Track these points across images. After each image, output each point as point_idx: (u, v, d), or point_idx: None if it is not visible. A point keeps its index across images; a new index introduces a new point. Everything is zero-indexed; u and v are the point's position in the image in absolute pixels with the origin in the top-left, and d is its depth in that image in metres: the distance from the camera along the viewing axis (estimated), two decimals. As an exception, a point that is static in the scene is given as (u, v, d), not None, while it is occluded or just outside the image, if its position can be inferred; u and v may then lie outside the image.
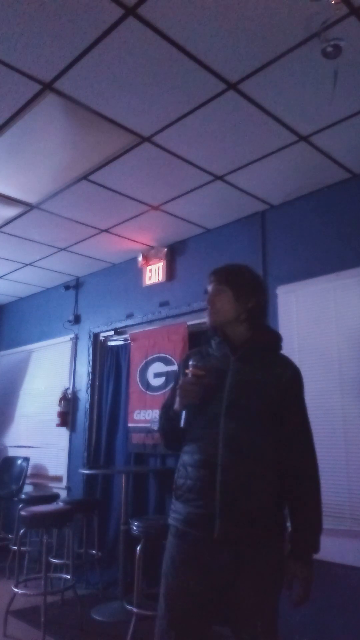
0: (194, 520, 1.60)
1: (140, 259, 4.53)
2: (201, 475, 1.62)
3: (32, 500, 4.32)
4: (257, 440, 1.63)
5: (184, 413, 1.65)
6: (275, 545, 1.62)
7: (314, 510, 1.65)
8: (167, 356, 4.23)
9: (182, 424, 1.65)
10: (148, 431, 4.22)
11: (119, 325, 4.81)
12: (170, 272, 4.40)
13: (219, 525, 1.56)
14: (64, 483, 4.93)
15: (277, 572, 1.61)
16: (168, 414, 1.76)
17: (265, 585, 1.59)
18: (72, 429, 5.02)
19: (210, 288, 1.79)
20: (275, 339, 1.84)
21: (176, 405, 1.68)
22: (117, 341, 4.90)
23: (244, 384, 1.67)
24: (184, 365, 1.79)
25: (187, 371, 1.69)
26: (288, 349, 3.33)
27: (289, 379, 1.72)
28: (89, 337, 5.08)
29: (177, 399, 1.67)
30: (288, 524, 1.67)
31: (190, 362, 1.70)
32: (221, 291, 1.76)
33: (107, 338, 5.00)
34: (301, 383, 1.78)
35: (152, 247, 4.50)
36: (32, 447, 5.44)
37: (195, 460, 1.65)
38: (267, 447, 1.64)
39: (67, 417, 5.06)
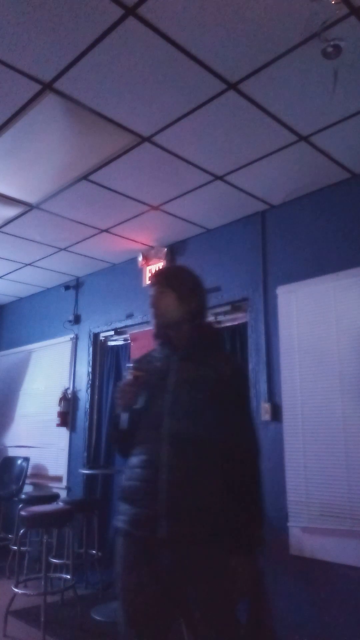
0: (140, 521, 1.60)
1: (140, 259, 4.52)
2: (147, 475, 1.62)
3: (32, 500, 4.32)
4: (201, 438, 1.64)
5: (125, 415, 1.69)
6: (224, 544, 1.60)
7: (255, 502, 1.65)
8: (167, 356, 4.23)
9: (123, 425, 1.69)
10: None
11: (119, 325, 4.81)
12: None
13: (164, 525, 1.55)
14: (64, 483, 4.93)
15: (223, 571, 1.59)
16: (114, 420, 1.78)
17: (215, 586, 1.57)
18: (72, 429, 5.02)
19: (152, 291, 1.83)
20: (216, 337, 1.88)
21: (117, 409, 1.72)
22: (117, 341, 4.90)
23: (185, 382, 1.69)
24: (133, 368, 1.81)
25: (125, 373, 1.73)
26: (288, 349, 3.37)
27: (231, 374, 1.73)
28: (89, 337, 5.08)
29: (117, 401, 1.72)
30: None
31: (129, 365, 1.75)
32: (164, 293, 1.79)
33: (107, 338, 5.00)
34: (243, 378, 1.82)
35: (152, 247, 4.50)
36: (32, 447, 5.43)
37: (141, 461, 1.66)
38: (211, 444, 1.65)
39: (67, 417, 5.06)
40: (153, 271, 1.94)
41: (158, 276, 1.87)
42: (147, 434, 1.68)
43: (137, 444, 1.71)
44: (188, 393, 1.67)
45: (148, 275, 4.55)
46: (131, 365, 1.74)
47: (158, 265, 4.45)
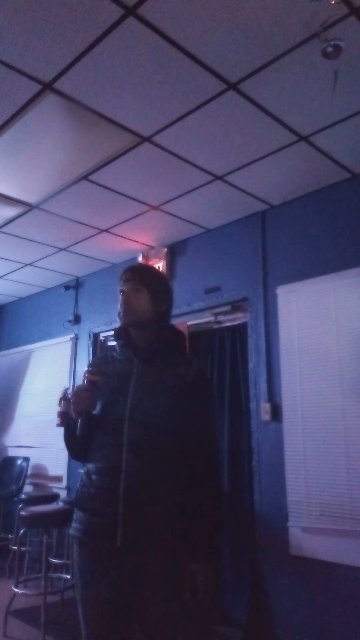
0: (96, 530, 1.56)
1: (140, 259, 4.53)
2: (105, 483, 1.57)
3: (32, 500, 4.32)
4: (162, 444, 1.59)
5: (79, 421, 1.60)
6: (178, 551, 1.57)
7: (212, 511, 1.60)
8: (167, 356, 4.22)
9: (77, 432, 1.61)
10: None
11: (118, 325, 4.80)
12: (170, 272, 4.40)
13: (120, 534, 1.51)
14: (64, 483, 4.93)
15: (178, 578, 1.56)
16: (68, 424, 1.70)
17: (169, 594, 1.53)
18: (72, 429, 5.01)
19: (126, 286, 1.73)
20: (179, 339, 1.81)
21: (71, 414, 1.64)
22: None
23: (147, 386, 1.63)
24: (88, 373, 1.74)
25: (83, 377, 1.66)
26: (288, 349, 3.37)
27: (193, 378, 1.67)
28: (89, 337, 5.08)
29: (72, 407, 1.64)
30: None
31: (86, 369, 1.69)
32: (138, 291, 1.71)
33: (107, 338, 5.00)
34: (206, 382, 1.76)
35: (152, 247, 4.50)
36: (32, 447, 5.43)
37: (99, 468, 1.60)
38: (172, 450, 1.60)
39: (67, 417, 5.04)
40: (125, 267, 1.84)
41: (135, 272, 1.76)
42: (105, 440, 1.62)
43: (94, 449, 1.64)
44: (149, 398, 1.62)
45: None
46: (87, 369, 1.67)
47: (158, 265, 4.45)
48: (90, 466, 1.64)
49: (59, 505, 4.06)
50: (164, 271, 4.40)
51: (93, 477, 1.61)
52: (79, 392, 1.62)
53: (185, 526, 1.58)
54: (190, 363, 1.73)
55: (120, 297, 1.74)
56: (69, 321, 5.32)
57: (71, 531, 1.65)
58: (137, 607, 1.55)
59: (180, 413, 1.62)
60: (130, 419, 1.60)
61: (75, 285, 5.43)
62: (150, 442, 1.58)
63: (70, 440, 1.71)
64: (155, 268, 1.85)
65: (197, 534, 1.58)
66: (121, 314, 1.72)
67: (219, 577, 3.44)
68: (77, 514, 1.63)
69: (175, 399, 1.63)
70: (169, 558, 1.55)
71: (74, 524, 1.64)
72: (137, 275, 1.74)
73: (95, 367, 1.73)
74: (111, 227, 4.12)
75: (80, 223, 4.03)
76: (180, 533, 1.57)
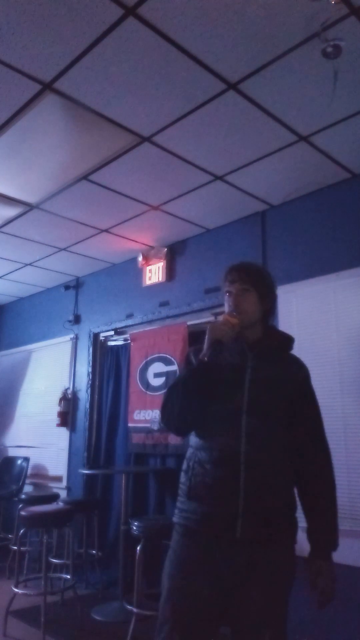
0: (213, 520, 1.55)
1: (140, 259, 4.53)
2: (222, 473, 1.56)
3: (32, 500, 4.32)
4: (278, 437, 1.62)
5: (209, 350, 1.59)
6: (289, 545, 1.60)
7: (332, 507, 1.65)
8: (167, 356, 4.23)
9: (206, 357, 1.59)
10: (148, 431, 4.22)
11: (119, 325, 4.81)
12: (170, 272, 4.41)
13: (241, 524, 1.51)
14: (64, 483, 4.93)
15: (289, 574, 1.59)
16: (184, 378, 1.66)
17: (277, 589, 1.54)
18: (72, 429, 5.02)
19: (233, 287, 1.72)
20: (288, 340, 1.82)
21: (204, 346, 1.62)
22: (117, 341, 4.90)
23: (264, 380, 1.65)
24: (193, 355, 1.73)
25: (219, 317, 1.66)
26: (288, 349, 3.36)
27: (304, 378, 1.75)
28: (89, 337, 5.08)
29: (206, 340, 1.61)
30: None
31: (228, 312, 1.68)
32: (247, 291, 1.71)
33: (107, 338, 5.00)
34: (311, 383, 1.80)
35: (152, 247, 4.50)
36: (32, 447, 5.44)
37: (215, 457, 1.59)
38: (286, 444, 1.63)
39: (67, 417, 5.06)
40: (229, 267, 1.81)
41: (242, 272, 1.74)
42: (220, 429, 1.61)
43: (206, 437, 1.63)
44: (267, 392, 1.63)
45: (149, 274, 4.55)
46: (227, 312, 1.67)
47: (158, 265, 4.46)
48: (202, 454, 1.62)
49: (59, 505, 4.05)
50: (164, 271, 4.41)
51: (207, 466, 1.59)
52: (216, 324, 1.63)
53: (295, 521, 1.61)
54: (300, 363, 1.78)
55: (227, 298, 1.74)
56: (69, 321, 5.32)
57: (179, 520, 1.62)
58: (236, 605, 1.53)
59: (293, 411, 1.66)
60: (249, 411, 1.60)
61: (75, 285, 5.43)
62: (267, 435, 1.60)
63: (186, 399, 1.64)
64: (259, 265, 1.83)
65: (324, 532, 1.62)
66: (232, 316, 1.69)
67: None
68: (189, 504, 1.60)
69: (290, 396, 1.66)
70: (279, 553, 1.56)
71: (182, 514, 1.62)
72: (244, 274, 1.73)
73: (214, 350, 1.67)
74: (111, 227, 4.12)
75: (80, 223, 4.03)
76: (292, 528, 1.60)
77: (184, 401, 1.64)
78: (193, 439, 1.70)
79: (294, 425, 1.66)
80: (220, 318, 1.67)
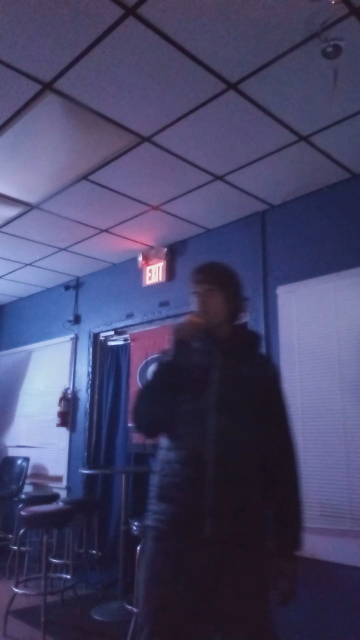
0: (182, 520, 1.55)
1: (140, 259, 4.53)
2: (190, 472, 1.57)
3: (32, 500, 4.32)
4: (246, 435, 1.62)
5: (173, 351, 1.62)
6: (262, 545, 1.59)
7: (296, 506, 1.64)
8: (167, 356, 4.22)
9: (171, 358, 1.62)
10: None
11: (119, 325, 4.81)
12: (170, 272, 4.40)
13: (209, 524, 1.51)
14: (64, 483, 4.93)
15: (264, 573, 1.57)
16: (152, 380, 1.68)
17: (252, 589, 1.53)
18: (72, 429, 5.02)
19: (199, 288, 1.74)
20: (256, 338, 1.86)
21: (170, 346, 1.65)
22: (117, 341, 4.90)
23: (232, 379, 1.65)
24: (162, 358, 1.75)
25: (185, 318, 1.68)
26: (288, 349, 3.37)
27: (272, 375, 1.75)
28: (89, 337, 5.08)
29: (172, 334, 1.65)
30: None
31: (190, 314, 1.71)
32: (212, 292, 1.73)
33: (107, 338, 5.00)
34: (281, 380, 1.79)
35: (152, 247, 4.50)
36: (32, 447, 5.43)
37: (183, 457, 1.59)
38: (254, 442, 1.63)
39: (67, 417, 5.06)
40: (195, 267, 1.83)
41: (205, 273, 1.77)
42: (188, 429, 1.61)
43: (174, 437, 1.64)
44: (235, 390, 1.64)
45: (149, 274, 4.55)
46: (192, 313, 1.69)
47: (158, 265, 4.46)
48: (171, 455, 1.63)
49: (59, 505, 4.06)
50: (164, 271, 4.41)
51: (175, 466, 1.60)
52: (181, 324, 1.65)
53: (266, 520, 1.60)
54: (267, 361, 1.80)
55: (193, 298, 1.75)
56: (69, 321, 5.32)
57: (150, 522, 1.62)
58: (214, 605, 1.53)
59: (260, 409, 1.66)
60: (217, 409, 1.60)
61: (75, 285, 5.43)
62: (235, 433, 1.60)
63: (160, 392, 1.65)
64: (225, 265, 1.84)
65: (287, 531, 1.61)
66: (198, 316, 1.71)
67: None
68: (159, 505, 1.60)
69: (257, 394, 1.66)
70: (252, 553, 1.55)
71: (153, 516, 1.61)
72: (210, 275, 1.76)
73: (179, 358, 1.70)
74: (111, 227, 4.12)
75: (80, 223, 4.03)
76: (263, 527, 1.59)
77: (153, 403, 1.66)
78: (163, 440, 1.69)
79: (261, 424, 1.65)
80: (186, 318, 1.68)
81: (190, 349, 1.68)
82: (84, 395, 4.99)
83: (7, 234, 4.25)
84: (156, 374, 1.69)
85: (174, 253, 4.42)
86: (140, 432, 1.77)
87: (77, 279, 5.43)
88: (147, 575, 1.57)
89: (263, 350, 1.86)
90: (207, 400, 1.62)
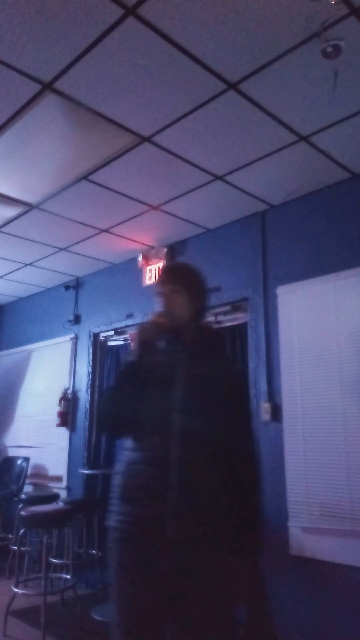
0: (146, 521, 1.54)
1: (140, 259, 4.53)
2: (154, 473, 1.56)
3: (32, 500, 4.32)
4: (209, 436, 1.61)
5: (137, 351, 1.63)
6: (225, 546, 1.58)
7: (257, 506, 1.64)
8: (167, 356, 4.23)
9: (135, 358, 1.62)
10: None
11: (119, 325, 4.81)
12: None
13: (173, 524, 1.50)
14: (64, 483, 4.93)
15: (227, 573, 1.57)
16: (116, 381, 1.68)
17: (216, 588, 1.53)
18: (72, 429, 5.02)
19: (164, 288, 1.74)
20: (220, 339, 1.87)
21: (132, 346, 1.65)
22: (117, 341, 4.90)
23: (197, 378, 1.65)
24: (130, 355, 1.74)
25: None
26: (288, 349, 3.37)
27: (236, 375, 1.76)
28: (89, 337, 5.08)
29: (136, 338, 1.65)
30: None
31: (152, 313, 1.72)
32: (177, 292, 1.72)
33: (107, 338, 5.00)
34: (245, 381, 1.82)
35: (152, 247, 4.50)
36: (32, 447, 5.43)
37: (147, 457, 1.59)
38: (217, 444, 1.63)
39: (67, 417, 5.06)
40: (161, 267, 1.85)
41: (169, 273, 1.79)
42: (154, 429, 1.61)
43: (139, 438, 1.63)
44: (199, 390, 1.63)
45: (149, 274, 4.55)
46: (155, 313, 1.70)
47: (158, 265, 4.46)
48: (134, 455, 1.62)
49: (59, 505, 4.05)
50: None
51: (139, 466, 1.59)
52: (144, 325, 1.66)
53: (229, 520, 1.59)
54: (230, 361, 1.80)
55: (158, 299, 1.75)
56: (69, 321, 5.32)
57: (112, 523, 1.61)
58: (179, 605, 1.53)
59: (223, 408, 1.65)
60: (181, 410, 1.60)
61: (75, 285, 5.43)
62: (199, 434, 1.60)
63: (124, 393, 1.65)
64: (190, 265, 1.85)
65: (241, 530, 1.60)
66: (162, 316, 1.72)
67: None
68: (122, 506, 1.60)
69: (220, 394, 1.66)
70: (215, 552, 1.55)
71: (115, 516, 1.61)
72: (174, 276, 1.77)
73: (144, 356, 1.70)
74: (111, 227, 4.12)
75: (80, 223, 4.03)
76: (226, 527, 1.59)
77: (116, 403, 1.66)
78: (127, 441, 1.69)
79: (223, 424, 1.65)
80: (150, 318, 1.69)
81: (155, 349, 1.68)
82: (84, 395, 4.99)
83: (7, 234, 4.25)
84: (120, 374, 1.69)
85: (174, 253, 4.42)
86: (104, 432, 1.78)
87: (77, 279, 5.43)
88: (114, 578, 1.58)
89: (227, 350, 1.86)
90: (171, 400, 1.61)
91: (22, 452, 5.47)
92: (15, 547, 4.12)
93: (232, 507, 1.60)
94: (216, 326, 4.04)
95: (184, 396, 1.62)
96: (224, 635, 1.52)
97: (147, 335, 1.65)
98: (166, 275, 1.78)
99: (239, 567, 1.57)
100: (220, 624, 1.53)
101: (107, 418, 1.70)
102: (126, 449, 1.68)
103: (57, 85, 2.43)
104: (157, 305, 1.74)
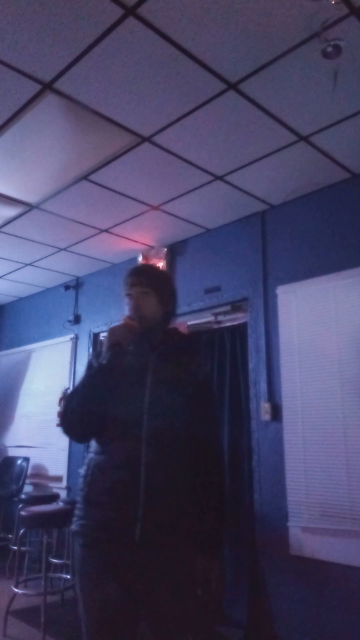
0: (112, 525, 1.52)
1: (140, 259, 4.53)
2: (122, 476, 1.54)
3: (32, 500, 4.32)
4: (177, 439, 1.61)
5: (108, 354, 1.61)
6: (189, 547, 1.58)
7: (219, 507, 1.65)
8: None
9: (105, 360, 1.60)
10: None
11: (119, 325, 4.81)
12: (170, 272, 4.40)
13: (140, 528, 1.49)
14: (64, 483, 4.93)
15: (191, 573, 1.58)
16: (84, 383, 1.65)
17: (181, 589, 1.53)
18: (72, 429, 5.01)
19: (133, 290, 1.73)
20: (189, 341, 1.88)
21: (104, 348, 1.64)
22: (117, 341, 4.89)
23: (165, 381, 1.65)
24: (94, 359, 1.72)
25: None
26: (288, 349, 3.37)
27: (203, 378, 1.74)
28: (89, 337, 5.08)
29: (106, 342, 1.63)
30: None
31: (124, 317, 1.70)
32: (146, 294, 1.72)
33: (107, 338, 4.99)
34: (212, 383, 1.84)
35: (152, 247, 4.50)
36: (32, 447, 5.43)
37: (115, 461, 1.57)
38: (184, 446, 1.63)
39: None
40: (129, 270, 1.84)
41: (139, 276, 1.77)
42: (120, 432, 1.59)
43: (106, 442, 1.61)
44: (168, 393, 1.63)
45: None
46: (125, 316, 1.69)
47: (158, 265, 4.45)
48: (101, 458, 1.60)
49: (59, 505, 4.05)
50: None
51: (106, 470, 1.57)
52: (114, 327, 1.64)
53: (194, 522, 1.59)
54: (199, 363, 1.79)
55: (127, 301, 1.74)
56: (69, 321, 5.32)
57: (76, 528, 1.59)
58: (146, 606, 1.54)
59: (190, 410, 1.66)
60: (149, 413, 1.59)
61: (75, 285, 5.43)
62: (167, 437, 1.60)
63: (92, 395, 1.61)
64: (158, 268, 1.86)
65: (207, 531, 1.61)
66: (132, 318, 1.70)
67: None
68: (87, 510, 1.58)
69: (188, 396, 1.66)
70: (183, 554, 1.56)
71: (80, 521, 1.58)
72: (143, 278, 1.76)
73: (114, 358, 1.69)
74: (111, 227, 4.12)
75: (80, 223, 4.03)
76: (192, 529, 1.59)
77: (84, 406, 1.61)
78: (93, 444, 1.67)
79: (191, 427, 1.65)
80: (120, 321, 1.68)
81: (124, 351, 1.66)
82: (84, 395, 4.98)
83: (7, 234, 4.25)
84: (87, 376, 1.67)
85: (174, 253, 4.42)
86: (70, 435, 1.73)
87: (77, 279, 5.43)
88: (82, 583, 1.57)
89: (197, 353, 1.85)
90: (139, 403, 1.61)
91: (22, 452, 5.47)
92: (15, 547, 4.12)
93: (198, 509, 1.61)
94: (215, 326, 4.05)
95: (152, 400, 1.61)
96: (189, 633, 1.53)
97: (118, 337, 1.63)
98: (135, 277, 1.76)
99: (208, 568, 1.58)
100: (186, 622, 1.53)
101: (74, 421, 1.64)
102: (90, 452, 1.66)
103: (57, 85, 2.43)
104: (126, 308, 1.73)
